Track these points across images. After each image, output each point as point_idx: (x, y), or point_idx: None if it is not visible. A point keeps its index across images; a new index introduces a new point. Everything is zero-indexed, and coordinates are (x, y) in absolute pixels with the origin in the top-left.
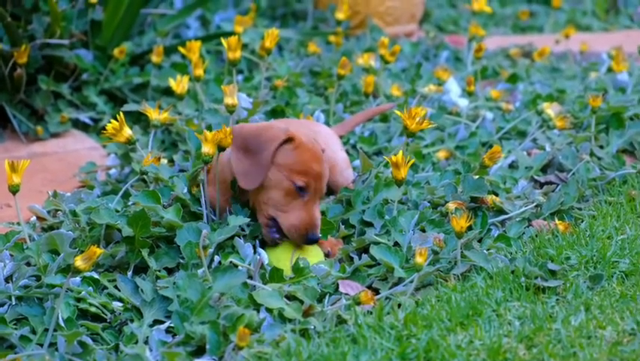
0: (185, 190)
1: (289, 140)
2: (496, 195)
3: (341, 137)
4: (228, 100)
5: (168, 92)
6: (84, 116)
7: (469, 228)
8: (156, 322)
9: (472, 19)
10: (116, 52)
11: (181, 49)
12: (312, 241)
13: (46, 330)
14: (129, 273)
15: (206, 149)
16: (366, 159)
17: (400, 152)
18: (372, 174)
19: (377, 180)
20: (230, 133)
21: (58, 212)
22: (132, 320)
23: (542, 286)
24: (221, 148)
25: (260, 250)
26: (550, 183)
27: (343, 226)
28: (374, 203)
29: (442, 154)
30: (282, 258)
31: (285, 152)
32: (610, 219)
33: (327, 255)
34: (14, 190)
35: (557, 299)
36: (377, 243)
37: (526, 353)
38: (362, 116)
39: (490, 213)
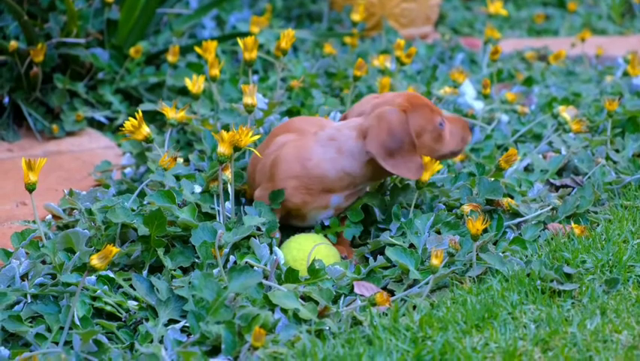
0: (195, 191)
1: (405, 112)
2: (512, 197)
3: None
4: (248, 100)
5: (184, 91)
6: (99, 115)
7: (485, 230)
8: (171, 321)
9: (487, 21)
10: (131, 51)
11: (197, 49)
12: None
13: (62, 328)
14: (144, 272)
15: (222, 149)
16: None
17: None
18: (388, 179)
19: (392, 181)
20: (366, 152)
21: (74, 211)
22: (147, 319)
23: (558, 289)
24: (236, 148)
25: (276, 249)
26: (565, 186)
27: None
28: (389, 207)
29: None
30: (299, 258)
31: (413, 121)
32: (626, 223)
33: (343, 259)
34: (31, 188)
35: (573, 303)
36: (392, 244)
37: (541, 357)
38: None
39: (505, 216)
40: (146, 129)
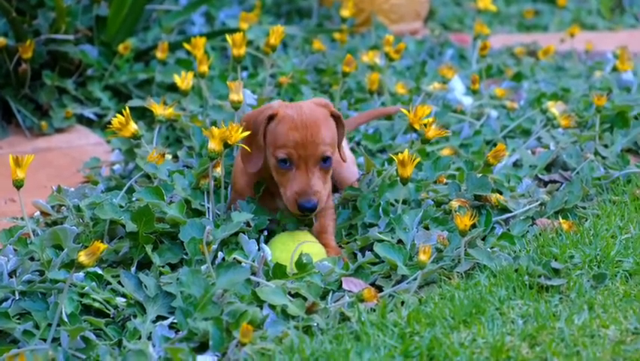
0: (186, 186)
1: (272, 117)
2: (500, 193)
3: None
4: (234, 96)
5: (173, 88)
6: (88, 112)
7: (473, 226)
8: (159, 318)
9: (477, 17)
10: (120, 48)
11: (186, 45)
12: (305, 208)
13: (50, 325)
14: (133, 269)
15: (213, 145)
16: (369, 159)
17: (406, 150)
18: (375, 175)
19: (379, 176)
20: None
21: (62, 207)
22: (135, 316)
23: (546, 284)
24: (226, 145)
25: (264, 245)
26: (554, 181)
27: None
28: (377, 204)
29: (446, 152)
30: (281, 259)
31: (270, 130)
32: (614, 219)
33: None
34: (18, 185)
35: (561, 298)
36: (381, 240)
37: (529, 352)
38: (366, 116)
39: (494, 212)
40: (133, 126)
